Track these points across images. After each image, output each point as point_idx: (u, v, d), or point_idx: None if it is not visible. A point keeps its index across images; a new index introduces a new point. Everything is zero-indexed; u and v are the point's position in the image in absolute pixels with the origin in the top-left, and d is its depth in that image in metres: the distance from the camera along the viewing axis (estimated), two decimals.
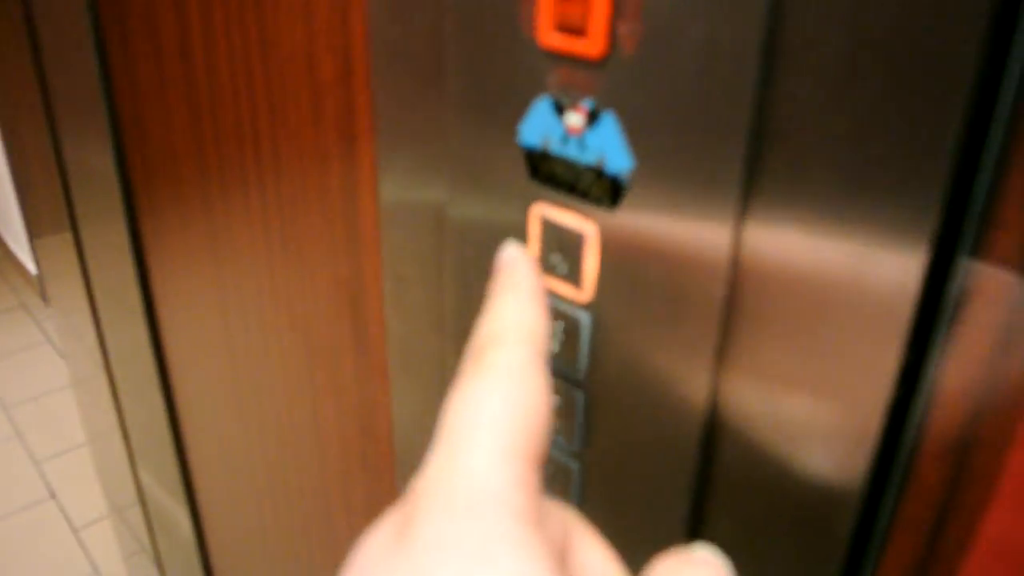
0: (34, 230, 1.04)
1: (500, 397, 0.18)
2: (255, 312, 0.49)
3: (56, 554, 1.57)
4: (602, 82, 0.22)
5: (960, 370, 0.18)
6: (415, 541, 0.16)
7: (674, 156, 0.21)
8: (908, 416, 0.19)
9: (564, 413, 0.27)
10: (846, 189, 0.18)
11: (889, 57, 0.17)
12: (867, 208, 0.18)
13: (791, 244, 0.19)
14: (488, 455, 0.17)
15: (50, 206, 0.86)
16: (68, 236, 0.83)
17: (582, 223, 0.24)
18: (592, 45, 0.21)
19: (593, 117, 0.22)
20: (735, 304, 0.21)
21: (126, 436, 0.91)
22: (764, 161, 0.19)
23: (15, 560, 1.54)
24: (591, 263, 0.24)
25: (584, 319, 0.25)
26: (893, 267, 0.18)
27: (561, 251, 0.25)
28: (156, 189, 0.56)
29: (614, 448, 0.26)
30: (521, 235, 0.26)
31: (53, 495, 1.68)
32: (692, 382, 0.23)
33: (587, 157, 0.23)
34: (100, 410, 0.99)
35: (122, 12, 0.51)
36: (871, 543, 0.21)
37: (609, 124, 0.22)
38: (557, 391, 0.26)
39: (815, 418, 0.20)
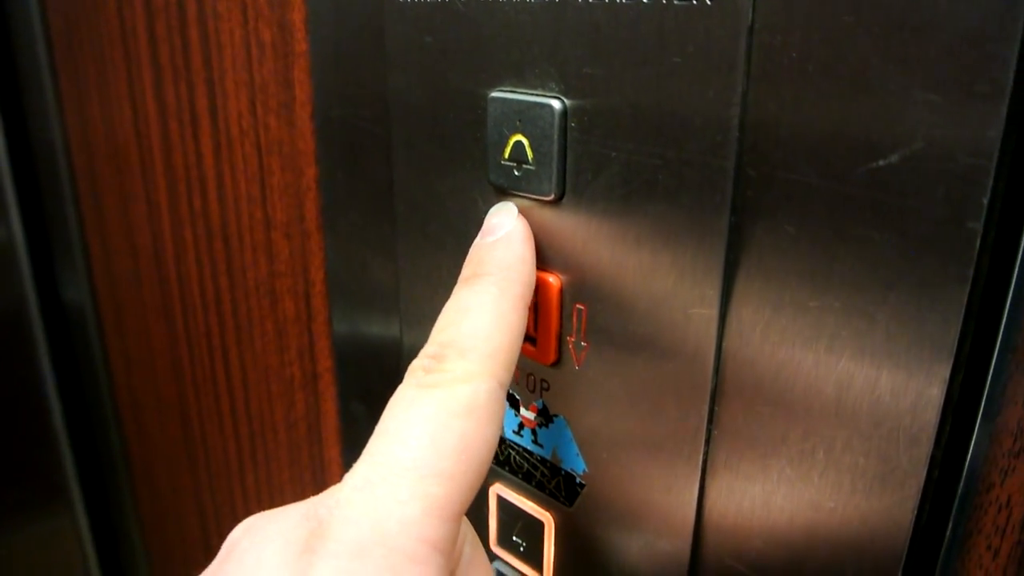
0: None
1: (446, 437, 0.17)
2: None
3: None
4: (555, 386, 0.22)
5: None
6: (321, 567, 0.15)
7: (626, 467, 0.21)
8: None
9: None
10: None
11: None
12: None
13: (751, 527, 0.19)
14: (411, 507, 0.16)
15: None
16: None
17: (541, 512, 0.24)
18: (543, 354, 0.22)
19: (546, 416, 0.23)
20: None
21: None
22: (716, 485, 0.20)
23: None
24: (550, 548, 0.24)
25: None
26: None
27: (521, 534, 0.24)
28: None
29: None
30: (482, 514, 0.25)
31: None
32: None
33: (542, 451, 0.23)
34: None
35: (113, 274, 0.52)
36: None
37: (561, 427, 0.22)
38: None
39: None
